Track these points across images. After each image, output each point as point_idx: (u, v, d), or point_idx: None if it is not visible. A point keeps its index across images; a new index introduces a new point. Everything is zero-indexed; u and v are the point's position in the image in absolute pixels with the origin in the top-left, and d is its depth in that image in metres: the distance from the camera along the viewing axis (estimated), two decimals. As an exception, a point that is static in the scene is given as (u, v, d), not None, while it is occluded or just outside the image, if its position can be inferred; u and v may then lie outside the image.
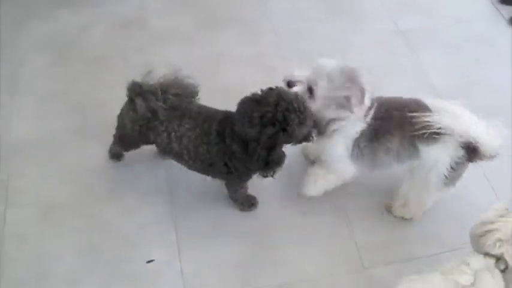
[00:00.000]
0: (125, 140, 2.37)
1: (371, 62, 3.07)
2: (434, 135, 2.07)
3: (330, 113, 2.09)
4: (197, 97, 2.18)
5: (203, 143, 2.10)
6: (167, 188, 2.50)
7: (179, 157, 2.19)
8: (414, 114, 2.07)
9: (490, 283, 1.79)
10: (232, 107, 2.07)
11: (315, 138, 2.14)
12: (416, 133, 2.09)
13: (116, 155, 2.53)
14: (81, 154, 2.61)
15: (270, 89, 1.98)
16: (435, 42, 3.26)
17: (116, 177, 2.54)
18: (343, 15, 3.40)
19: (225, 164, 2.12)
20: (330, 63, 2.10)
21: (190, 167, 2.26)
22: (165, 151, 2.23)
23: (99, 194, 2.48)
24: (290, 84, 2.11)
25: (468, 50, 3.23)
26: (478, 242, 1.88)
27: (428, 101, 2.18)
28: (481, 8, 3.54)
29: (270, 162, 2.01)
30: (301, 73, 2.13)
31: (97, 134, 2.64)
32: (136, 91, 2.08)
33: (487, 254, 1.84)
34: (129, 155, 2.54)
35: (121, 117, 2.26)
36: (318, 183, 2.39)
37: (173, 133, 2.12)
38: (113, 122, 2.31)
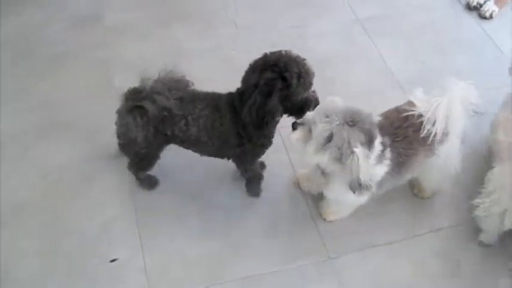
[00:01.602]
0: (142, 155, 2.26)
1: (331, 51, 3.09)
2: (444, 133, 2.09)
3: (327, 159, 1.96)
4: (192, 85, 2.16)
5: (216, 117, 2.10)
6: (129, 185, 2.46)
7: (196, 141, 2.16)
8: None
9: None
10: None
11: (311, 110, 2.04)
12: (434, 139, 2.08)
13: (150, 182, 2.47)
14: (45, 152, 2.57)
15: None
16: (394, 30, 3.28)
17: (78, 176, 2.50)
18: (303, 5, 3.39)
19: (238, 134, 2.12)
20: (336, 102, 1.98)
21: (205, 151, 2.26)
22: (183, 139, 2.17)
23: (63, 192, 2.45)
24: (294, 126, 2.03)
25: (426, 37, 3.26)
26: None
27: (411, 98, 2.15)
28: (438, -6, 3.58)
29: (265, 112, 1.98)
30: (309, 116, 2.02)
31: (62, 131, 2.62)
32: (139, 96, 2.03)
33: None
34: (90, 152, 2.52)
35: (124, 134, 2.15)
36: (338, 214, 2.39)
37: (190, 116, 2.10)
38: (78, 119, 2.25)
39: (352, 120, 1.90)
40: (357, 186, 1.94)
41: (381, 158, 2.00)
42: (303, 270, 2.27)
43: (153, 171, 2.40)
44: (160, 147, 2.25)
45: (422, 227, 2.41)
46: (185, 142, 2.19)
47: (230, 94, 2.10)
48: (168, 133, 2.13)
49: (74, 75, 2.90)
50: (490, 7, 3.40)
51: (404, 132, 2.09)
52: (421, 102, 2.10)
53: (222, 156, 2.29)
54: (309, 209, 2.43)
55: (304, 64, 1.97)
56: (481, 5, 3.44)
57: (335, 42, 3.17)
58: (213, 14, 3.29)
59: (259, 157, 2.29)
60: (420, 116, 2.08)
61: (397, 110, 2.17)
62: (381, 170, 2.04)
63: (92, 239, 2.31)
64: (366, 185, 1.94)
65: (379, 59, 3.08)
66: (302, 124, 2.00)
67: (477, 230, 2.35)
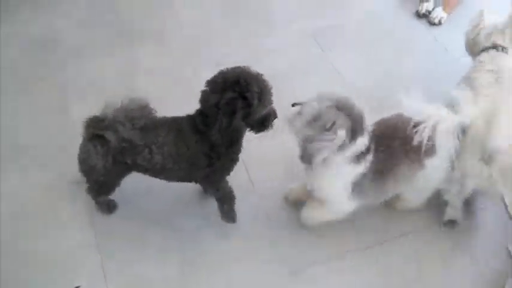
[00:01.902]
0: (101, 182, 2.24)
1: (286, 64, 3.11)
2: (433, 147, 2.09)
3: (314, 141, 1.98)
4: (155, 112, 2.13)
5: (181, 142, 2.07)
6: (88, 211, 2.42)
7: (162, 168, 2.12)
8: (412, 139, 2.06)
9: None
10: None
11: (272, 127, 2.08)
12: (421, 153, 2.08)
13: (108, 206, 2.43)
14: (2, 178, 2.52)
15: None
16: (346, 41, 3.32)
17: (37, 202, 2.45)
18: (254, 19, 3.40)
19: (206, 154, 2.09)
20: (321, 93, 2.04)
21: (172, 176, 2.22)
22: (147, 168, 2.14)
23: (21, 219, 2.40)
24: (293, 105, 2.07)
25: (379, 46, 3.30)
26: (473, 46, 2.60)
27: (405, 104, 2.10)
28: (388, 4, 3.64)
29: (231, 131, 2.00)
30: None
31: (20, 156, 2.59)
32: (101, 125, 2.00)
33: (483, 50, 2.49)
34: (48, 177, 2.48)
35: (84, 161, 2.13)
36: (316, 218, 2.36)
37: (153, 145, 2.06)
38: (37, 144, 2.21)
39: (343, 106, 1.96)
40: (308, 159, 2.00)
41: (359, 157, 2.03)
42: (273, 283, 2.26)
43: (113, 195, 2.36)
44: (120, 175, 2.23)
45: (392, 232, 2.43)
46: (149, 170, 2.16)
47: (190, 116, 2.09)
48: (129, 162, 2.09)
49: (31, 99, 2.86)
50: (438, 13, 3.47)
51: (389, 143, 2.11)
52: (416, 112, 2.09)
53: (190, 180, 2.26)
54: (268, 226, 2.43)
55: (264, 81, 1.98)
56: (429, 12, 3.50)
57: (289, 56, 3.19)
58: (167, 32, 3.28)
59: (228, 173, 2.26)
60: (416, 125, 2.06)
61: (386, 120, 2.19)
62: (354, 169, 2.06)
63: (54, 266, 2.25)
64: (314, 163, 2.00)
65: (333, 70, 3.10)
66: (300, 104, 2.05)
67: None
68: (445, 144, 2.09)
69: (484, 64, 2.42)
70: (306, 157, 2.01)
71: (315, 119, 1.97)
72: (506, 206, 2.10)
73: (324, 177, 2.12)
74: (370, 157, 2.07)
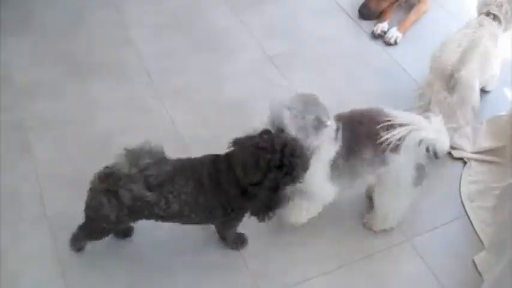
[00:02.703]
0: (103, 228, 2.18)
1: (246, 91, 3.13)
2: (399, 145, 2.15)
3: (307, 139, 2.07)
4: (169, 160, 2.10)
5: (200, 193, 2.04)
6: (53, 247, 2.38)
7: (180, 216, 2.09)
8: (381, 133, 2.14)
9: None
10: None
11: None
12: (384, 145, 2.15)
13: (81, 248, 2.36)
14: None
15: (266, 131, 2.00)
16: (304, 63, 3.35)
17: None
18: (213, 48, 3.42)
19: (223, 206, 2.08)
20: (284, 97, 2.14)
21: (187, 222, 2.19)
22: (164, 217, 2.11)
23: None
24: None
25: (336, 67, 3.34)
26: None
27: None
28: (343, 26, 3.69)
29: (272, 205, 2.00)
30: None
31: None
32: (115, 183, 1.96)
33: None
34: (7, 218, 2.44)
35: (96, 210, 2.05)
36: (302, 214, 2.39)
37: (170, 195, 2.03)
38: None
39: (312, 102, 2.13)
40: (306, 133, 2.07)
41: (336, 135, 2.14)
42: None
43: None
44: (130, 222, 2.22)
45: (355, 254, 2.44)
46: (165, 217, 2.13)
47: (211, 163, 2.06)
48: (145, 213, 2.08)
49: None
50: (393, 34, 3.53)
51: (358, 128, 2.21)
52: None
53: (206, 224, 2.27)
54: (238, 251, 2.42)
55: (303, 149, 1.98)
56: (385, 33, 3.56)
57: (248, 81, 3.21)
58: (122, 65, 3.28)
59: (241, 220, 2.26)
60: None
61: (361, 109, 2.31)
62: (333, 148, 2.15)
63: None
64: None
65: (294, 93, 3.11)
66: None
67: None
68: (413, 150, 2.17)
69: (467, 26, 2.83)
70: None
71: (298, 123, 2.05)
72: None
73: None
74: (340, 135, 2.15)
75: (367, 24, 3.68)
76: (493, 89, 3.13)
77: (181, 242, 2.32)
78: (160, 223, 2.17)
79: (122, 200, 1.97)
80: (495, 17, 2.84)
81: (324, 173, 2.20)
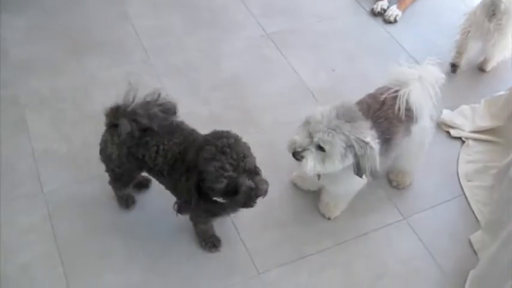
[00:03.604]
0: (117, 173, 2.22)
1: (244, 68, 3.11)
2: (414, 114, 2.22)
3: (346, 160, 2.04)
4: (177, 115, 2.11)
5: (178, 160, 2.02)
6: (49, 224, 2.38)
7: (160, 173, 2.11)
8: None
9: None
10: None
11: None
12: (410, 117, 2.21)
13: (127, 202, 2.41)
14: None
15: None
16: (302, 41, 3.33)
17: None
18: (210, 26, 3.39)
19: (187, 189, 2.01)
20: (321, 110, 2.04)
21: (165, 185, 2.19)
22: (150, 169, 2.13)
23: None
24: (296, 157, 2.04)
25: (335, 46, 3.32)
26: None
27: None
28: (343, 3, 3.66)
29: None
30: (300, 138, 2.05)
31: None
32: (120, 113, 1.99)
33: None
34: (1, 193, 2.44)
35: (102, 150, 2.16)
36: (339, 208, 2.43)
37: (161, 146, 2.04)
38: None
39: (347, 118, 2.00)
40: (370, 173, 2.06)
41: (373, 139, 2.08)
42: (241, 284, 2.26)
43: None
44: (132, 170, 2.21)
45: (351, 232, 2.45)
46: (151, 171, 2.15)
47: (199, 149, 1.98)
48: (139, 157, 2.09)
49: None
50: (393, 11, 3.51)
51: (385, 115, 2.18)
52: (396, 80, 2.25)
53: (177, 197, 2.19)
54: (234, 226, 2.42)
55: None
56: (385, 10, 3.54)
57: (246, 59, 3.19)
58: (120, 42, 3.25)
59: (207, 224, 2.26)
60: (396, 95, 2.20)
61: (371, 96, 2.28)
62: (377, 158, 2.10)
63: (14, 282, 2.21)
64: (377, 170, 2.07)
65: (291, 71, 3.12)
66: (304, 150, 2.02)
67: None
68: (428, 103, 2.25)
69: None
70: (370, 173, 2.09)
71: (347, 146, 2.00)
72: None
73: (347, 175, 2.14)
74: (374, 133, 2.10)
75: (366, 2, 3.65)
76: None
77: (179, 219, 2.32)
78: (157, 199, 2.17)
79: (121, 131, 1.98)
80: None
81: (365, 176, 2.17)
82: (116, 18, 3.39)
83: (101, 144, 2.17)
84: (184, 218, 2.23)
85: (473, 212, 2.53)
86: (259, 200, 2.04)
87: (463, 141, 2.81)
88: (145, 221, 2.41)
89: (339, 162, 2.02)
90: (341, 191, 2.34)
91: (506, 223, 2.09)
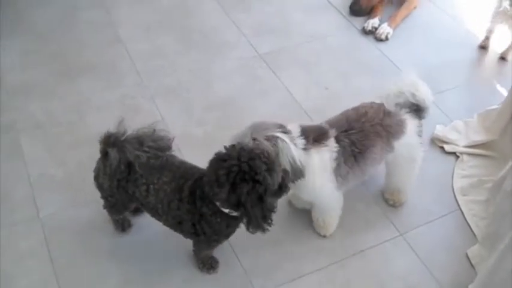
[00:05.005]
0: (110, 201, 2.21)
1: (236, 88, 3.13)
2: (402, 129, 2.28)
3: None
4: (171, 151, 2.09)
5: (175, 198, 2.00)
6: (45, 248, 2.36)
7: (155, 211, 2.10)
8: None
9: None
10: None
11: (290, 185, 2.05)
12: (391, 133, 2.25)
13: (122, 225, 2.39)
14: None
15: (232, 146, 1.90)
16: (294, 61, 3.35)
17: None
18: (203, 47, 3.41)
19: (193, 225, 2.03)
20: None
21: (164, 223, 2.17)
22: (142, 205, 2.13)
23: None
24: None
25: (327, 64, 3.34)
26: None
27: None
28: (334, 22, 3.69)
29: (266, 215, 1.92)
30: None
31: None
32: (110, 142, 1.97)
33: None
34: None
35: (95, 177, 2.15)
36: (329, 224, 2.44)
37: (151, 185, 2.02)
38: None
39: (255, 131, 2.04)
40: (293, 171, 2.07)
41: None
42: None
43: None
44: (125, 202, 2.19)
45: (348, 249, 2.44)
46: (144, 206, 2.14)
47: (200, 178, 1.98)
48: (130, 192, 2.07)
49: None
50: (384, 29, 3.53)
51: (360, 126, 2.22)
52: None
53: (180, 234, 2.19)
54: (231, 247, 2.41)
55: (264, 150, 1.89)
56: (376, 29, 3.57)
57: (239, 79, 3.21)
58: (113, 64, 3.26)
59: (212, 249, 2.24)
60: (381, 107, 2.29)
61: (354, 109, 2.33)
62: (323, 155, 2.15)
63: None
64: (300, 170, 2.08)
65: (284, 90, 3.13)
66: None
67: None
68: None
69: None
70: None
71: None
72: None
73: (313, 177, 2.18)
74: (333, 142, 2.16)
75: (357, 21, 3.69)
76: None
77: (174, 241, 2.31)
78: (154, 222, 2.17)
79: (109, 161, 1.97)
80: None
81: (330, 181, 2.21)
82: (109, 41, 3.41)
83: (94, 171, 2.16)
84: (182, 241, 2.22)
85: (469, 226, 2.53)
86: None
87: (458, 156, 2.82)
88: (141, 244, 2.39)
89: None
90: (312, 197, 2.33)
91: (503, 236, 2.09)
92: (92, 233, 2.42)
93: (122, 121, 2.01)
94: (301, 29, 3.60)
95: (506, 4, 3.23)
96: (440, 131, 2.89)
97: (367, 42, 3.54)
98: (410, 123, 2.30)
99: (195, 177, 2.02)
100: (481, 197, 2.61)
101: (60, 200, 2.53)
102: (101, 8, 3.64)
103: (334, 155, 2.15)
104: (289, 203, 2.57)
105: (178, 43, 3.43)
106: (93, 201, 2.41)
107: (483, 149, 2.83)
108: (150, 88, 3.11)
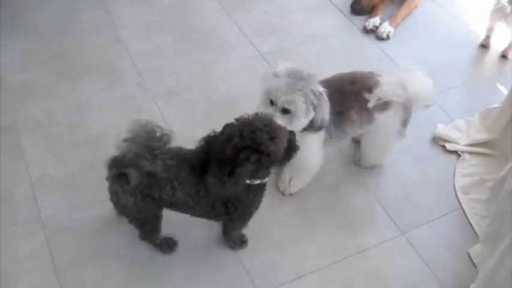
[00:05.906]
0: (141, 220, 2.17)
1: (238, 88, 3.12)
2: (386, 103, 2.30)
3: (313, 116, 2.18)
4: (171, 136, 2.06)
5: (202, 186, 2.01)
6: (47, 249, 2.36)
7: (185, 205, 2.09)
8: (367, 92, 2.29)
9: None
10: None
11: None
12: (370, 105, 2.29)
13: (168, 244, 2.36)
14: None
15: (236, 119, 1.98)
16: (296, 60, 3.27)
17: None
18: (203, 47, 3.41)
19: (225, 206, 2.07)
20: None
21: (195, 214, 2.19)
22: (172, 203, 2.09)
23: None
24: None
25: (328, 63, 3.32)
26: None
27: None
28: (335, 21, 3.69)
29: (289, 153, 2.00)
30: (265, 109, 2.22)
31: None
32: (123, 163, 1.92)
33: None
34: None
35: (116, 203, 2.11)
36: (297, 184, 2.51)
37: (175, 182, 2.01)
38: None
39: (297, 77, 2.20)
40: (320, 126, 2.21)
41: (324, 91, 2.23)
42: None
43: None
44: (153, 211, 2.16)
45: (349, 249, 2.44)
46: (174, 205, 2.12)
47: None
48: (156, 197, 2.05)
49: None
50: (385, 28, 3.53)
51: (340, 87, 2.34)
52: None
53: (214, 220, 2.25)
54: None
55: (266, 120, 1.94)
56: (377, 28, 3.57)
57: (240, 79, 3.20)
58: (113, 65, 3.25)
59: (246, 224, 2.26)
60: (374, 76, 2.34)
61: (346, 73, 2.44)
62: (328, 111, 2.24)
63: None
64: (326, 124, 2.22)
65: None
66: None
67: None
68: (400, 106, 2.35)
69: None
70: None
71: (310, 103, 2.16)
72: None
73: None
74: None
75: (358, 20, 3.69)
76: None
77: (177, 240, 2.32)
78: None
79: (131, 181, 1.93)
80: None
81: (320, 141, 2.31)
82: (109, 42, 3.40)
83: (111, 198, 2.11)
84: (182, 241, 2.22)
85: (471, 225, 2.53)
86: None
87: (459, 155, 2.82)
88: (142, 244, 2.37)
89: (304, 118, 2.18)
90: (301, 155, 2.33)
91: (504, 236, 2.09)
92: (93, 234, 2.42)
93: (121, 143, 1.95)
94: (302, 28, 3.59)
95: (503, 1, 3.24)
96: (441, 129, 2.89)
97: (368, 41, 3.53)
98: (396, 106, 2.33)
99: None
100: (483, 195, 2.61)
101: (62, 201, 2.52)
102: (101, 8, 3.63)
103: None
104: (282, 192, 2.59)
105: (178, 43, 3.42)
106: (94, 201, 2.42)
107: (484, 148, 2.83)
108: (150, 88, 3.10)
